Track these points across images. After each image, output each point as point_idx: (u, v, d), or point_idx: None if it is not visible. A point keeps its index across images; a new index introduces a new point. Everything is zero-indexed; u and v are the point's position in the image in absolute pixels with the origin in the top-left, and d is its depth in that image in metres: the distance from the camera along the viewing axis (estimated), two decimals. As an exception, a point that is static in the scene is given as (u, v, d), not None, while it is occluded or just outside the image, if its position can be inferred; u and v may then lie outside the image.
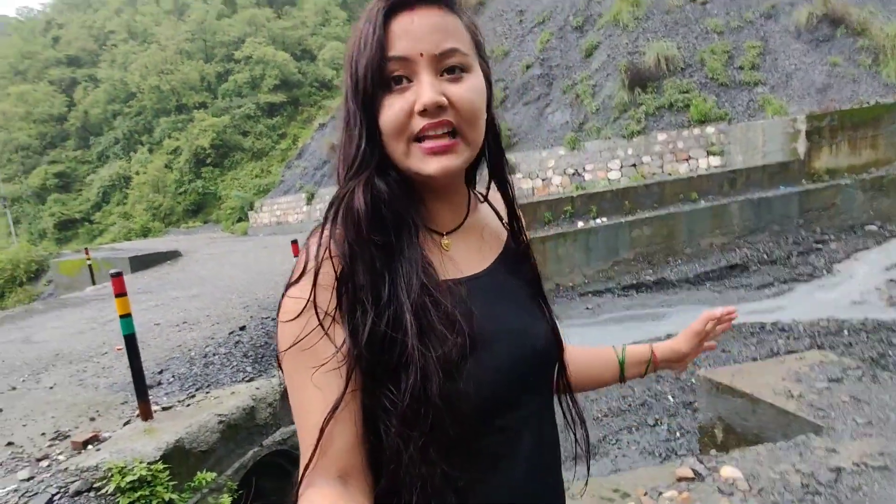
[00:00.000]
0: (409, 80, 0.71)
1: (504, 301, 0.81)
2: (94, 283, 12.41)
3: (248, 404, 3.77)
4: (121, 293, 3.45)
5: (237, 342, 4.66)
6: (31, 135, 40.40)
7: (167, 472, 2.96)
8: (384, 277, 0.69)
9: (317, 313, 0.67)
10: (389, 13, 0.71)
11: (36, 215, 37.84)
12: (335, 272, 0.69)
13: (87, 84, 41.11)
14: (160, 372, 4.78)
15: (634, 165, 13.21)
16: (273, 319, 5.36)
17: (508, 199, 0.89)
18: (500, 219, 0.91)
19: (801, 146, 11.35)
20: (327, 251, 0.70)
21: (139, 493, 2.80)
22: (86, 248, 15.81)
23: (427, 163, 0.72)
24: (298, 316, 0.67)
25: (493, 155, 0.85)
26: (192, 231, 28.36)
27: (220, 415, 3.54)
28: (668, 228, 10.59)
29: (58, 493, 2.84)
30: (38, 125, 40.41)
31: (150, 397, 4.09)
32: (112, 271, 3.59)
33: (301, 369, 0.67)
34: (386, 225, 0.71)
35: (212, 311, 7.33)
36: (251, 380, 4.14)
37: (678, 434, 4.55)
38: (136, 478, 2.80)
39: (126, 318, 3.46)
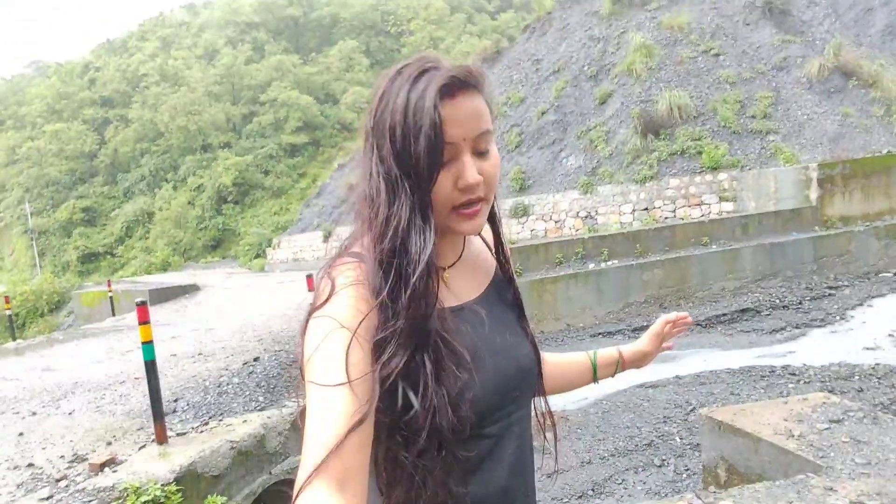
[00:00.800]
0: (452, 160, 0.80)
1: (494, 324, 0.89)
2: (114, 314, 12.70)
3: (260, 432, 3.88)
4: (144, 321, 3.64)
5: (250, 372, 4.80)
6: (61, 171, 41.90)
7: (180, 494, 3.07)
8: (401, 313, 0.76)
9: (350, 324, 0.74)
10: (439, 98, 0.78)
11: (61, 248, 38.83)
12: (368, 302, 0.76)
13: (118, 123, 42.75)
14: (175, 400, 4.92)
15: (647, 209, 13.36)
16: (286, 352, 5.51)
17: (497, 234, 1.01)
18: (490, 250, 1.02)
19: (814, 193, 11.43)
20: (358, 278, 0.78)
21: (152, 512, 2.91)
22: (108, 281, 16.22)
23: (463, 224, 0.83)
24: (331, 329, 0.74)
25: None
26: (211, 266, 28.88)
27: (232, 441, 3.65)
28: (679, 272, 10.63)
29: (75, 510, 2.96)
30: (69, 161, 41.94)
31: (166, 423, 4.23)
32: (138, 300, 3.79)
33: (328, 375, 0.72)
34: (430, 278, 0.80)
35: (227, 343, 7.50)
36: (263, 409, 4.26)
37: (684, 475, 4.53)
38: (149, 498, 2.92)
39: (148, 344, 3.63)
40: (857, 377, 6.24)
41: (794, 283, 10.51)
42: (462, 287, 0.92)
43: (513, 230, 15.01)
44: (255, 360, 5.22)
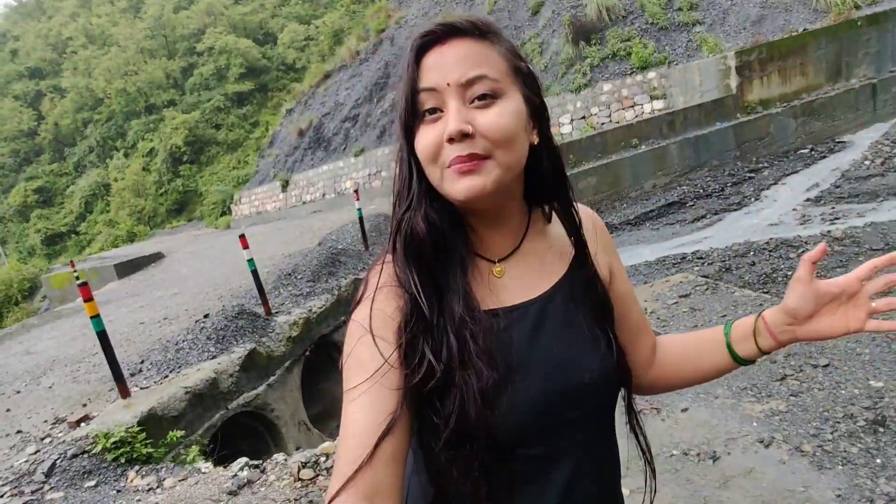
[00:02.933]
0: (442, 111, 0.74)
1: (553, 331, 0.80)
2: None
3: (211, 377, 4.52)
4: (88, 299, 4.13)
5: (202, 328, 5.38)
6: (3, 154, 40.43)
7: (143, 434, 3.71)
8: (434, 308, 0.74)
9: (373, 335, 0.73)
10: (423, 48, 0.75)
11: (22, 233, 38.22)
12: (398, 298, 0.75)
13: (52, 95, 40.88)
14: (142, 362, 5.51)
15: (584, 117, 13.76)
16: (237, 305, 6.07)
17: (573, 225, 0.86)
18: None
19: (733, 81, 11.89)
20: (388, 278, 0.77)
21: (121, 450, 3.56)
22: (71, 262, 16.46)
23: (456, 184, 0.73)
24: (361, 337, 0.73)
25: (551, 178, 0.84)
26: (177, 230, 28.89)
27: (186, 387, 4.29)
28: (612, 176, 11.23)
29: (59, 457, 3.60)
30: (9, 143, 40.39)
31: (133, 383, 4.84)
32: (79, 282, 4.27)
33: (355, 382, 0.71)
34: (438, 254, 0.76)
35: (190, 305, 8.04)
36: (214, 357, 4.88)
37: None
38: (117, 439, 3.56)
39: (96, 318, 4.14)
40: (751, 253, 7.00)
41: (718, 172, 11.20)
42: (519, 285, 0.83)
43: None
44: (205, 316, 5.80)
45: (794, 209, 8.64)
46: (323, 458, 3.47)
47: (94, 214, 36.41)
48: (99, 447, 3.55)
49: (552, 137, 0.83)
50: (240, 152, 34.47)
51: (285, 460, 3.52)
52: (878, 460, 2.47)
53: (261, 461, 3.54)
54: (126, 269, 13.81)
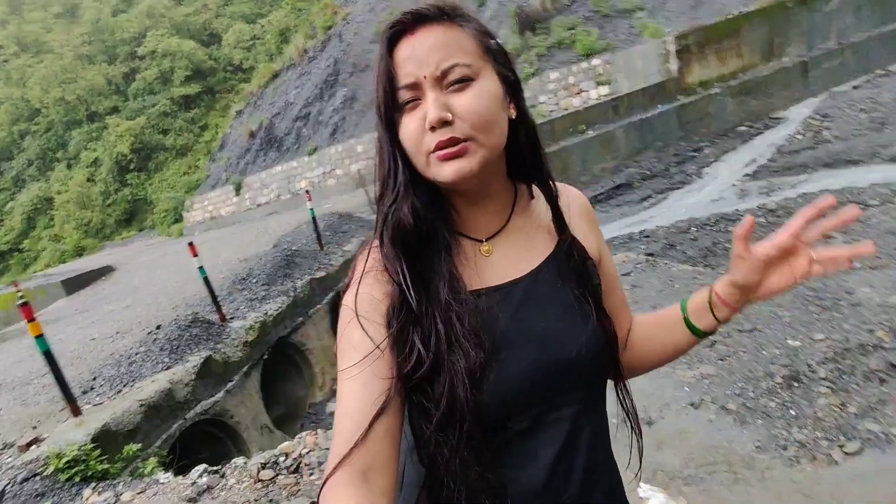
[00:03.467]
0: (420, 99, 0.75)
1: (539, 306, 0.81)
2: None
3: (166, 388, 4.47)
4: (30, 319, 4.03)
5: (154, 339, 5.30)
6: (-65, 171, 38.33)
7: (97, 451, 3.67)
8: (422, 298, 0.75)
9: (359, 320, 0.75)
10: (393, 39, 0.76)
11: (-39, 254, 36.38)
12: (385, 283, 0.77)
13: (-16, 108, 38.89)
14: (94, 378, 5.39)
15: (533, 106, 13.95)
16: (192, 314, 5.99)
17: (550, 197, 0.87)
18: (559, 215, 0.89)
19: (674, 64, 12.28)
20: (375, 263, 0.79)
21: (75, 469, 3.51)
22: (14, 282, 15.82)
23: (442, 169, 0.75)
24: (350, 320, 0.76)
25: (528, 153, 0.85)
26: (129, 241, 28.04)
27: (140, 400, 4.24)
28: (561, 162, 11.47)
29: (9, 483, 3.52)
30: (-60, 160, 38.32)
31: (86, 400, 4.75)
32: (20, 301, 4.15)
33: (348, 363, 0.73)
34: (424, 242, 0.78)
35: (143, 317, 7.88)
36: (169, 368, 4.82)
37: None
38: (70, 458, 3.51)
39: (39, 337, 4.04)
40: (693, 229, 7.32)
41: (663, 153, 11.58)
42: (507, 262, 0.84)
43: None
44: (158, 327, 5.71)
45: (733, 185, 9.04)
46: (282, 458, 3.51)
47: (38, 230, 34.90)
48: (51, 468, 3.49)
49: (527, 111, 0.84)
50: (189, 157, 33.57)
51: (245, 463, 3.54)
52: (792, 412, 2.68)
53: (220, 466, 3.55)
54: (74, 284, 13.35)
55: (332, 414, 6.36)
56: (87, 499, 3.43)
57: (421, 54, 0.74)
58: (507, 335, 0.76)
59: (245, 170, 20.62)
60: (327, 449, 3.57)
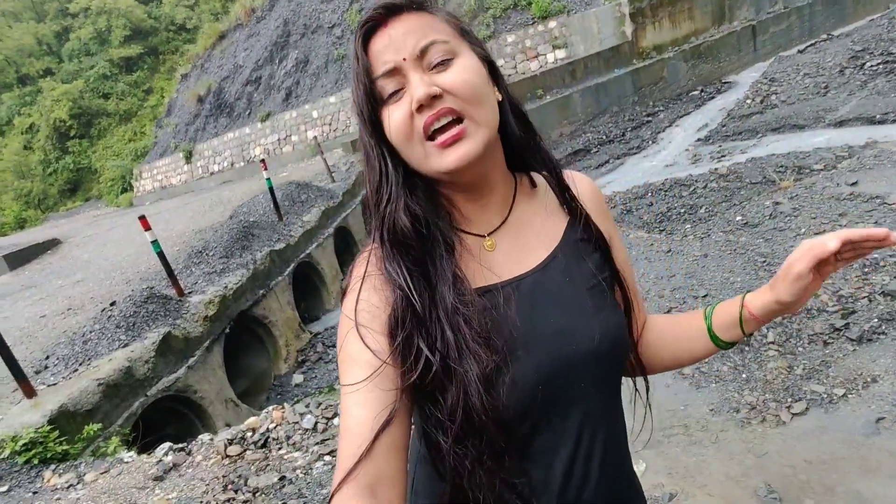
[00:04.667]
0: (404, 89, 0.72)
1: (550, 301, 0.78)
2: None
3: (125, 366, 4.38)
4: (-26, 298, 3.86)
5: (109, 317, 5.15)
6: None
7: (56, 432, 3.59)
8: (426, 301, 0.72)
9: (359, 331, 0.71)
10: (367, 36, 0.74)
11: None
12: (385, 289, 0.74)
13: None
14: (47, 357, 5.22)
15: (491, 70, 13.84)
16: (146, 288, 5.83)
17: (553, 176, 0.86)
18: (570, 198, 0.86)
19: (628, 28, 12.32)
20: (373, 269, 0.76)
21: (34, 451, 3.44)
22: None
23: (444, 157, 0.71)
24: (350, 330, 0.72)
25: (520, 136, 0.82)
26: (74, 212, 26.79)
27: (98, 379, 4.14)
28: (521, 127, 11.48)
29: (-38, 469, 3.42)
30: None
31: (39, 380, 4.61)
32: (-40, 281, 3.96)
33: (350, 377, 0.70)
34: (423, 242, 0.74)
35: (96, 292, 7.62)
36: (126, 346, 4.71)
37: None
38: (27, 441, 3.43)
39: (-15, 318, 3.88)
40: (649, 194, 7.49)
41: (619, 118, 11.73)
42: (511, 257, 0.81)
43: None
44: (112, 304, 5.54)
45: (686, 149, 9.26)
46: (249, 434, 3.53)
47: (-28, 202, 32.91)
48: (7, 451, 3.40)
49: (513, 96, 0.82)
50: (135, 123, 32.00)
51: (211, 440, 3.54)
52: (744, 375, 2.85)
53: (186, 444, 3.54)
54: (17, 259, 12.72)
55: (297, 386, 6.37)
56: (48, 480, 3.38)
57: (396, 41, 0.72)
58: (518, 333, 0.73)
59: (195, 136, 19.83)
60: (294, 423, 3.60)
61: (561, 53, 13.21)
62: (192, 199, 15.75)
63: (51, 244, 13.88)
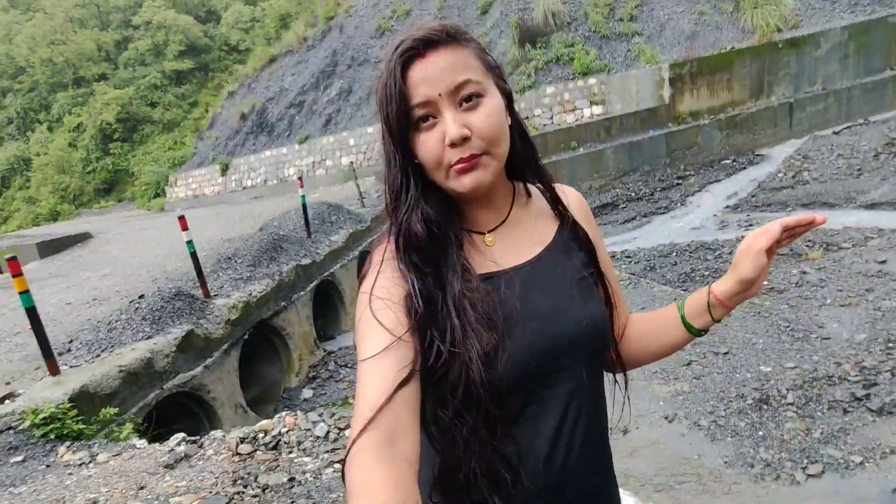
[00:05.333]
0: (435, 117, 0.82)
1: (541, 288, 0.88)
2: (0, 272, 12.32)
3: (147, 356, 4.48)
4: (17, 274, 4.02)
5: (136, 308, 5.27)
6: None
7: (74, 411, 3.67)
8: (437, 295, 0.81)
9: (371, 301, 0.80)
10: (406, 64, 0.82)
11: (-72, 207, 35.22)
12: (401, 273, 0.83)
13: (-34, 60, 37.78)
14: (70, 341, 5.35)
15: (528, 118, 14.14)
16: (174, 287, 5.98)
17: (547, 186, 0.98)
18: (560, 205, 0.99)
19: (666, 92, 12.60)
20: (392, 254, 0.85)
21: (51, 426, 3.52)
22: (-12, 238, 15.43)
23: (461, 181, 0.83)
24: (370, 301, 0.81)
25: (523, 153, 0.93)
26: (106, 211, 27.50)
27: (120, 366, 4.24)
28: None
29: (-18, 435, 3.51)
30: (-84, 109, 37.11)
31: (61, 362, 4.72)
32: (7, 256, 4.13)
33: (369, 347, 0.77)
34: (434, 241, 0.84)
35: (122, 286, 7.81)
36: (150, 338, 4.82)
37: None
38: (47, 415, 3.51)
39: (24, 293, 4.03)
40: (674, 254, 7.54)
41: (650, 177, 11.87)
42: (509, 251, 0.92)
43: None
44: (141, 297, 5.69)
45: (714, 215, 9.32)
46: (261, 435, 3.57)
47: (12, 190, 34.02)
48: (27, 423, 3.49)
49: (518, 115, 0.93)
50: (176, 132, 33.11)
51: (223, 436, 3.59)
52: (760, 433, 2.84)
53: (198, 437, 3.59)
54: (49, 248, 13.08)
55: (305, 401, 6.39)
56: (62, 456, 3.44)
57: (434, 75, 0.80)
58: (516, 312, 0.83)
59: (233, 151, 20.43)
60: (307, 430, 3.63)
61: (598, 109, 13.50)
62: (224, 209, 16.12)
63: (82, 237, 14.27)
